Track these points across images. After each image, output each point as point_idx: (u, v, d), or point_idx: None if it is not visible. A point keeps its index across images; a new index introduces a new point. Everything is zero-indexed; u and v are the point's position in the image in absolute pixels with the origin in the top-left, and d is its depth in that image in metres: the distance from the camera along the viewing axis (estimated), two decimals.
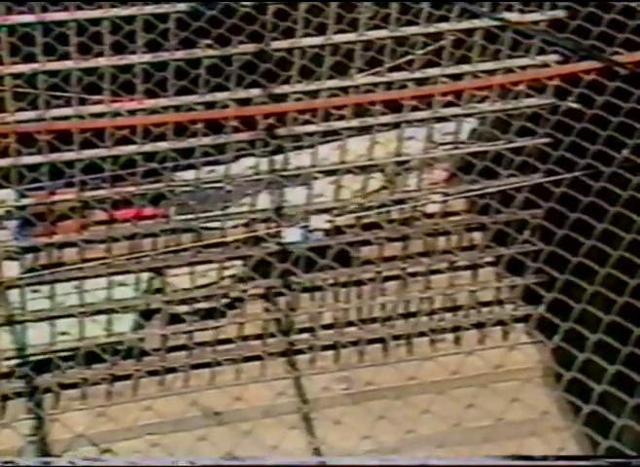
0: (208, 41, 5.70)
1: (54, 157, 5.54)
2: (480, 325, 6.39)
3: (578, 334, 4.74)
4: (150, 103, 5.56)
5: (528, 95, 5.68)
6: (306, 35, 5.96)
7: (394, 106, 5.75)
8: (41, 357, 6.05)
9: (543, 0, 5.69)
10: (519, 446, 5.35)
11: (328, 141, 6.10)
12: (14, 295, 5.90)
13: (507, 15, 5.73)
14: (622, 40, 4.46)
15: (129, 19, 5.67)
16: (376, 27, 5.92)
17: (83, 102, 5.77)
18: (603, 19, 4.80)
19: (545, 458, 3.22)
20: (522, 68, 5.70)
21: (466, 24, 5.86)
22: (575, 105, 4.77)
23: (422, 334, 6.36)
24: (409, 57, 5.90)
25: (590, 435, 4.82)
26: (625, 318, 4.58)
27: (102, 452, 5.77)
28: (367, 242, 6.26)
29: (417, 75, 5.76)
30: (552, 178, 5.35)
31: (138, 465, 3.46)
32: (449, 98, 5.32)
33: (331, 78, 5.88)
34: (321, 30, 5.95)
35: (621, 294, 4.60)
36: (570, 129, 4.85)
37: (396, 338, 6.34)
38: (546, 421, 5.75)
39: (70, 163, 5.67)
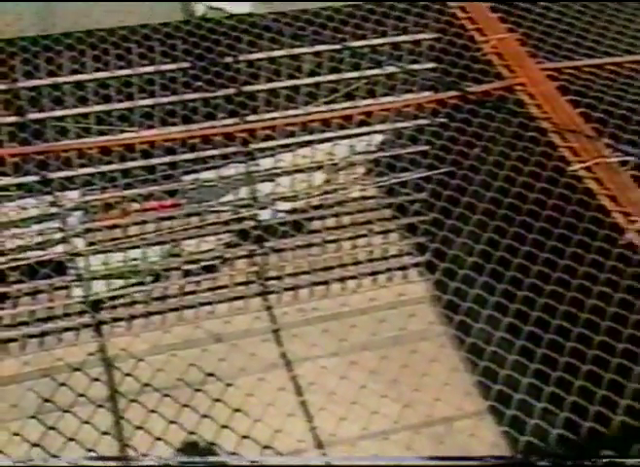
0: None
1: (104, 168, 5.48)
2: (388, 269, 6.38)
3: (452, 271, 4.71)
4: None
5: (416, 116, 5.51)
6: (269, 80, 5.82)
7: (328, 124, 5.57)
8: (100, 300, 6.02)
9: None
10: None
11: (287, 150, 5.97)
12: (80, 261, 5.86)
13: (399, 64, 5.67)
14: (471, 78, 4.42)
15: None
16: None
17: None
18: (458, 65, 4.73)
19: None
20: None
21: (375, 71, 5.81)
22: (443, 120, 4.78)
23: (353, 277, 6.33)
24: (336, 95, 5.85)
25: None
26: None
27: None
28: (314, 218, 6.27)
29: (344, 105, 5.74)
30: (430, 173, 5.36)
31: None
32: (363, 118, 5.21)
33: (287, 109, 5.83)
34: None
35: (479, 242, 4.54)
36: (441, 137, 4.85)
37: (336, 280, 6.33)
38: (432, 330, 5.88)
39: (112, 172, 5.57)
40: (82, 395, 4.45)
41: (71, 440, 3.84)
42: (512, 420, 3.89)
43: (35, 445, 3.84)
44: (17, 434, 4.02)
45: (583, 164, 3.88)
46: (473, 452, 4.42)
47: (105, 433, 4.04)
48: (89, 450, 3.80)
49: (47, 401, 4.39)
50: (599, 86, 4.12)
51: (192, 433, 4.03)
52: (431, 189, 5.16)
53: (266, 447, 3.93)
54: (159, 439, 3.90)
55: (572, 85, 4.06)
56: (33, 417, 4.20)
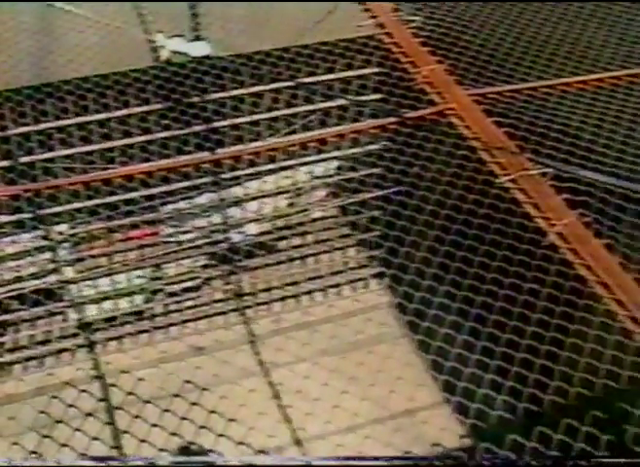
0: None
1: (89, 203, 5.62)
2: (349, 281, 6.47)
3: (403, 278, 4.67)
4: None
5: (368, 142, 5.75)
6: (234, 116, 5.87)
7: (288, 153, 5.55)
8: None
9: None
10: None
11: (253, 178, 6.06)
12: (72, 288, 5.93)
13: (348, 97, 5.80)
14: (407, 105, 4.47)
15: None
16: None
17: None
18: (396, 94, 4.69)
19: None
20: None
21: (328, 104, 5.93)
22: (386, 143, 4.90)
23: (318, 289, 6.40)
24: (294, 126, 5.89)
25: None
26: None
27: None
28: (280, 238, 6.32)
29: (301, 135, 5.68)
30: (381, 192, 5.48)
31: None
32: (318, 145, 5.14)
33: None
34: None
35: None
36: (386, 160, 4.94)
37: (304, 293, 6.41)
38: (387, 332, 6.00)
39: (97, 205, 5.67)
40: (85, 409, 4.44)
41: (64, 445, 3.89)
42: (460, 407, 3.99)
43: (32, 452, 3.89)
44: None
45: (509, 177, 3.98)
46: (428, 438, 4.56)
47: (95, 438, 4.09)
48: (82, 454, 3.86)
49: (43, 413, 4.44)
50: (519, 107, 4.24)
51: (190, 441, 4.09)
52: (381, 206, 5.29)
53: (240, 442, 3.97)
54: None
55: (495, 107, 4.17)
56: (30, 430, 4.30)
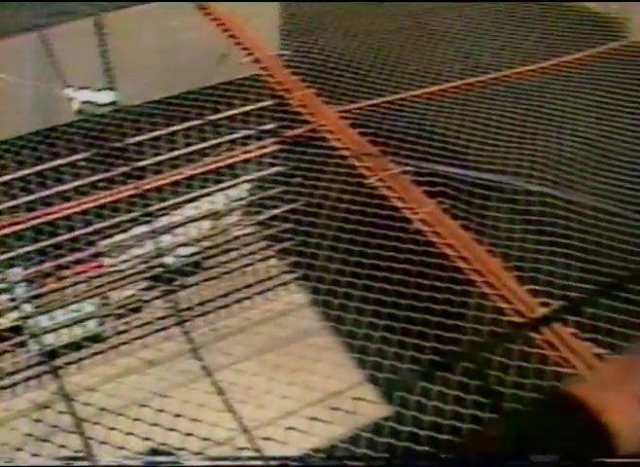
0: None
1: (38, 245, 5.77)
2: (274, 286, 6.64)
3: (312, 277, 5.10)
4: None
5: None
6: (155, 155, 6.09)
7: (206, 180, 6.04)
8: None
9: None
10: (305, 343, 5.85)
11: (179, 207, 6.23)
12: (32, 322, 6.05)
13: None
14: (286, 126, 4.68)
15: None
16: None
17: None
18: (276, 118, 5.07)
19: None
20: None
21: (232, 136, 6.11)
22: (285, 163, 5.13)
23: (248, 297, 6.55)
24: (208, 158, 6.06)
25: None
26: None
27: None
28: (209, 257, 6.51)
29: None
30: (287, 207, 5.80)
31: None
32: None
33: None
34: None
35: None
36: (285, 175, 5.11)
37: (235, 302, 6.59)
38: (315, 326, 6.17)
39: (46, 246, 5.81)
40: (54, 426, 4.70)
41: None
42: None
43: None
44: None
45: (376, 177, 4.25)
46: (359, 413, 4.73)
47: (78, 452, 4.25)
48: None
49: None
50: (379, 118, 4.52)
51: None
52: (290, 218, 5.55)
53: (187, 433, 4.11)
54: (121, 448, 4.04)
55: (359, 120, 4.45)
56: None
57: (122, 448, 4.06)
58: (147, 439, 4.17)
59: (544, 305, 3.73)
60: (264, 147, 5.18)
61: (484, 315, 3.92)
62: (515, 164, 4.46)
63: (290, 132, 4.45)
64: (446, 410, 3.76)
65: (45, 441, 4.48)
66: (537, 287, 3.81)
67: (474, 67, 4.76)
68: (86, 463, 3.91)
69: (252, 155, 5.28)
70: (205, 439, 4.12)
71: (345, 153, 4.40)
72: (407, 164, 4.27)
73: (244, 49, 4.88)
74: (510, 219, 4.27)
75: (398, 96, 4.59)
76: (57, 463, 3.78)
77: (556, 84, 4.76)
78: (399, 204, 4.25)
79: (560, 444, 1.35)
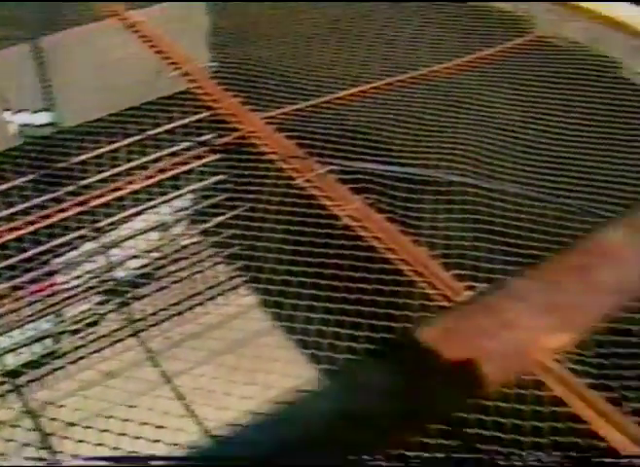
0: None
1: None
2: (225, 290, 6.72)
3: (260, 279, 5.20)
4: None
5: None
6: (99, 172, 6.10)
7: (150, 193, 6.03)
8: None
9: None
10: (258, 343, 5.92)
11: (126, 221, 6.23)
12: None
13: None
14: (217, 134, 4.93)
15: None
16: None
17: None
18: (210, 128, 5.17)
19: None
20: None
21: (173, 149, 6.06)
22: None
23: (199, 304, 6.65)
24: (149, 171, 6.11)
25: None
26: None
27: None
28: (159, 267, 6.56)
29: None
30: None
31: None
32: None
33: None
34: None
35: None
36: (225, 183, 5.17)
37: (188, 309, 6.65)
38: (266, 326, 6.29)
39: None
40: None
41: None
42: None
43: None
44: None
45: (303, 178, 4.33)
46: None
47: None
48: None
49: None
50: (303, 122, 4.60)
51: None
52: (234, 224, 5.59)
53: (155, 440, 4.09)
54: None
55: (284, 125, 4.53)
56: None
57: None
58: (116, 448, 4.12)
59: (469, 288, 3.83)
60: (202, 157, 5.23)
61: (413, 302, 4.01)
62: (436, 158, 4.56)
63: (220, 141, 4.50)
64: None
65: (14, 457, 4.48)
66: (462, 272, 3.92)
67: (392, 68, 4.86)
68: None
69: (192, 165, 5.32)
70: (173, 444, 4.00)
71: (273, 156, 4.46)
72: (331, 164, 4.35)
73: (173, 63, 4.93)
74: (434, 209, 4.37)
75: (321, 99, 4.67)
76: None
77: (472, 78, 4.88)
78: (327, 203, 4.33)
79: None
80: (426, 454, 3.81)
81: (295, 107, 4.62)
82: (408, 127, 4.63)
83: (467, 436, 4.12)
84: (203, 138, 5.70)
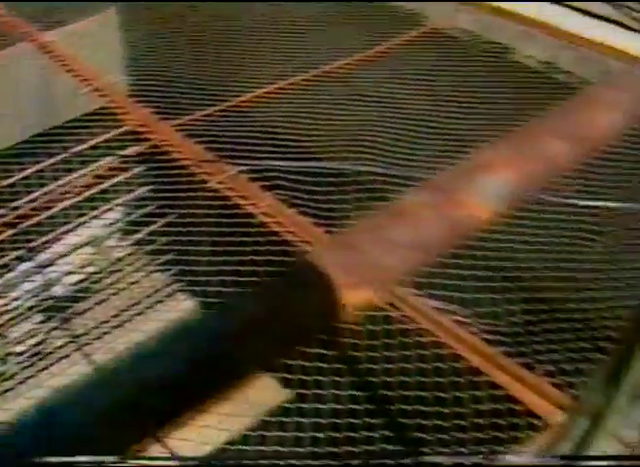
0: None
1: None
2: (164, 297, 6.79)
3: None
4: None
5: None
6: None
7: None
8: None
9: None
10: None
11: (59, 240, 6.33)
12: None
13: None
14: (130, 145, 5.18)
15: None
16: None
17: None
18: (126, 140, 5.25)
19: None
20: None
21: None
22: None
23: (139, 313, 6.69)
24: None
25: None
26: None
27: None
28: (96, 281, 6.62)
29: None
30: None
31: None
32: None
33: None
34: None
35: None
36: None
37: (128, 320, 6.70)
38: None
39: None
40: None
41: None
42: None
43: None
44: None
45: (216, 180, 4.48)
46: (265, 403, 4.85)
47: None
48: None
49: None
50: (212, 127, 4.75)
51: None
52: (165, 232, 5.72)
53: None
54: None
55: (193, 131, 4.67)
56: None
57: None
58: None
59: None
60: (126, 170, 5.35)
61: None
62: (345, 150, 4.73)
63: (131, 150, 4.62)
64: None
65: None
66: None
67: (295, 67, 5.03)
68: None
69: (118, 179, 5.44)
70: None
71: (185, 162, 4.60)
72: (242, 165, 4.49)
73: (85, 80, 5.05)
74: (343, 200, 4.53)
75: (228, 104, 4.83)
76: None
77: (373, 72, 5.07)
78: (241, 202, 4.48)
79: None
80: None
81: (203, 113, 4.77)
82: (315, 123, 4.79)
83: (391, 412, 4.29)
84: (124, 152, 5.80)
